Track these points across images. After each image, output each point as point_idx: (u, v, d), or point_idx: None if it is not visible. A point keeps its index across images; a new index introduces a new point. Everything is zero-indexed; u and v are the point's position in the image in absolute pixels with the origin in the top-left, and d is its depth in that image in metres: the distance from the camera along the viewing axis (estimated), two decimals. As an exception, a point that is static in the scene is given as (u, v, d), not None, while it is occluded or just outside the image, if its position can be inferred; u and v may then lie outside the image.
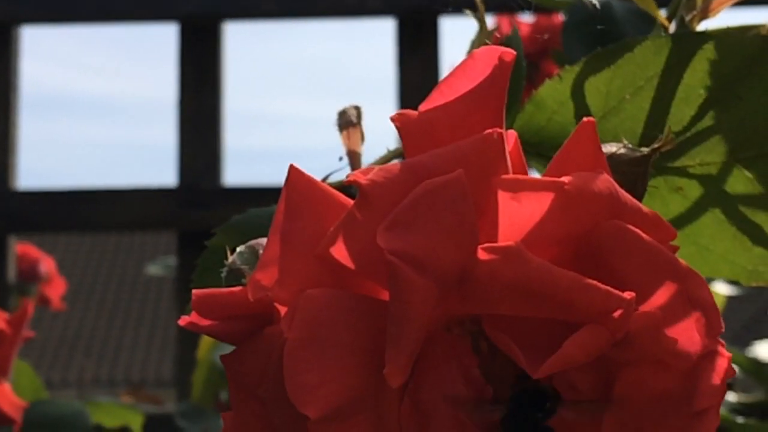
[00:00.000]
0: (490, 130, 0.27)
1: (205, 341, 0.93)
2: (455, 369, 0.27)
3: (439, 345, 0.27)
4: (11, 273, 1.28)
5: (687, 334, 0.26)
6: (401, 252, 0.25)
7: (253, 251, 0.28)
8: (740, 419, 0.64)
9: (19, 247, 1.38)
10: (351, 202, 0.27)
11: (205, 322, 0.27)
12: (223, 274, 0.28)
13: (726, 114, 0.35)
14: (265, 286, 0.26)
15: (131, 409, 1.04)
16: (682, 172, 0.36)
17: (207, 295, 0.26)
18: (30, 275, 1.42)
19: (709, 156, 0.36)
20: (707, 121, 0.36)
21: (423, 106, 0.28)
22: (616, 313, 0.25)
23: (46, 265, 1.45)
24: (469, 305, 0.26)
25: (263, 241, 0.28)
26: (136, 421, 1.03)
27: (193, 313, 0.27)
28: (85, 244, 7.32)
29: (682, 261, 0.27)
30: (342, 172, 0.36)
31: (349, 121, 0.37)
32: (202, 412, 1.00)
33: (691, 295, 0.27)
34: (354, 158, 0.36)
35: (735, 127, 0.35)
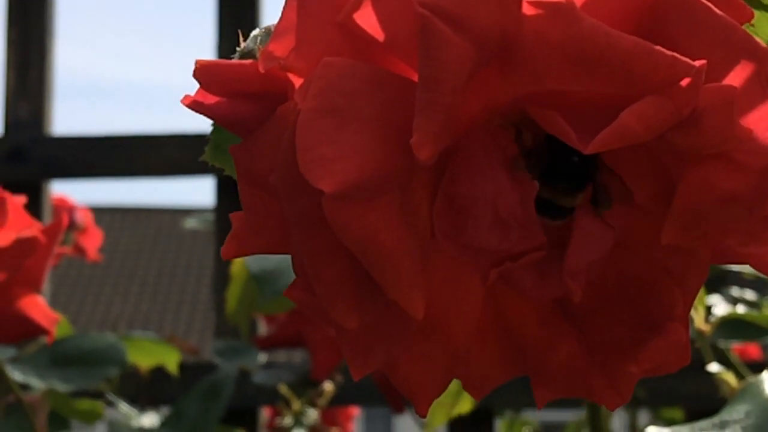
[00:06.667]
0: None
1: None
2: (497, 160, 0.23)
3: (479, 136, 0.24)
4: (46, 220, 1.26)
5: (764, 124, 0.23)
6: (435, 6, 0.21)
7: (269, 32, 0.25)
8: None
9: (55, 197, 1.36)
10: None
11: (212, 99, 0.23)
12: (235, 58, 0.25)
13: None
14: (278, 56, 0.23)
15: (167, 347, 1.00)
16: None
17: (214, 64, 0.23)
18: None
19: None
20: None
21: None
22: (683, 83, 0.22)
23: (82, 214, 1.42)
24: (513, 82, 0.23)
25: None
26: (171, 360, 0.99)
27: (198, 89, 0.23)
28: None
29: (761, 41, 0.23)
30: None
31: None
32: (238, 350, 0.97)
33: (770, 78, 0.23)
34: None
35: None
